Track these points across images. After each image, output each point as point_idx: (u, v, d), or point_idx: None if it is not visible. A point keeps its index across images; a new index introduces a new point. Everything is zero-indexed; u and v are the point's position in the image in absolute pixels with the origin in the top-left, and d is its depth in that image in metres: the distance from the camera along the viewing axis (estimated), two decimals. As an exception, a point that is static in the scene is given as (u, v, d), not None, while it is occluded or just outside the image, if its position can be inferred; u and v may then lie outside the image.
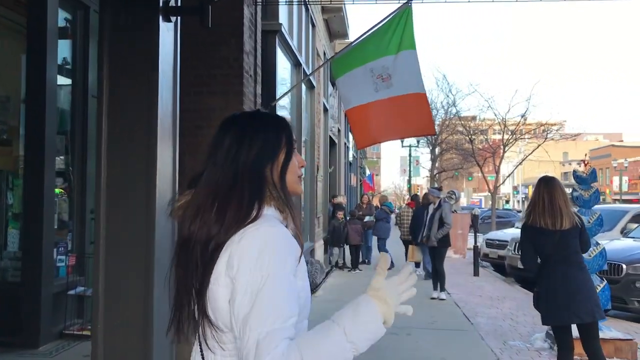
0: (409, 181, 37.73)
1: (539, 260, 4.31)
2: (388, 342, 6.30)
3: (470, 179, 57.74)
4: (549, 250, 4.18)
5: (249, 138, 1.43)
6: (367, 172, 35.82)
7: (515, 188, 67.35)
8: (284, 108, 8.63)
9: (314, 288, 2.16)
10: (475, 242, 13.31)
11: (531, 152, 22.43)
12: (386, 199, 15.40)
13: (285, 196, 1.42)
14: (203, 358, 1.38)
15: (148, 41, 3.67)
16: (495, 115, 22.27)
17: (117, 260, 3.65)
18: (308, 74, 9.95)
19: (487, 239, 15.29)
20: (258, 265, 1.26)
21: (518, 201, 66.29)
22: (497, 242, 14.81)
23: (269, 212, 1.38)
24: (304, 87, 10.35)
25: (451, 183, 58.90)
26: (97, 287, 3.69)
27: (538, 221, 4.18)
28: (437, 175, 42.85)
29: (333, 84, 15.81)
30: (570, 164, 69.26)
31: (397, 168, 63.51)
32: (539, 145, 21.50)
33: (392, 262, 13.35)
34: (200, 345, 1.39)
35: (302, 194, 1.75)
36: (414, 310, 1.43)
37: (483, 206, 51.16)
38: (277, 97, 7.15)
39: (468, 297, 9.81)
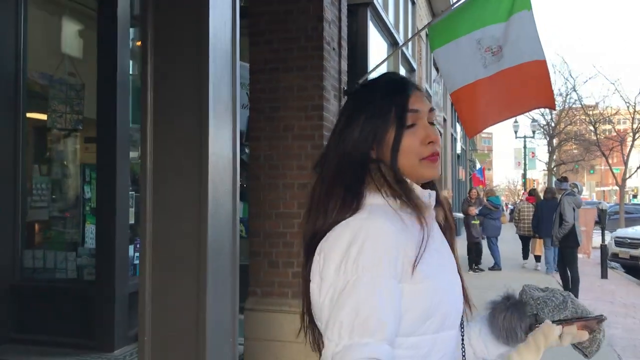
0: (524, 175, 35.33)
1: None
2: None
3: (592, 172, 53.61)
4: None
5: (347, 116, 1.23)
6: (478, 165, 33.92)
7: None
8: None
9: None
10: (603, 240, 11.74)
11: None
12: (493, 193, 14.04)
13: (397, 181, 1.16)
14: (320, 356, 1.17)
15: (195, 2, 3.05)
16: (623, 99, 19.95)
17: (165, 261, 3.08)
18: (405, 51, 9.08)
19: (617, 237, 13.58)
20: (342, 265, 1.06)
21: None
22: (629, 241, 13.11)
23: (376, 200, 1.15)
24: (402, 69, 9.48)
25: (570, 176, 55.02)
26: (143, 295, 3.14)
27: None
28: (555, 168, 39.95)
29: (437, 69, 14.74)
30: None
31: (511, 161, 60.17)
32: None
33: (498, 263, 12.23)
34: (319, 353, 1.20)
35: (438, 177, 1.25)
36: None
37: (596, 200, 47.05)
38: (370, 76, 6.37)
39: (597, 304, 8.47)
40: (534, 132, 33.34)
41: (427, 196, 1.19)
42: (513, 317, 1.26)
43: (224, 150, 3.18)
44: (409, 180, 1.18)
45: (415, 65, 10.12)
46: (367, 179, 1.17)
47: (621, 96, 19.26)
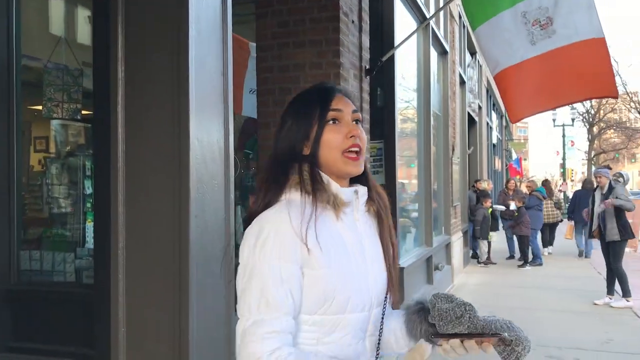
0: (563, 164, 34.02)
1: None
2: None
3: (633, 160, 51.66)
4: None
5: (284, 120, 1.38)
6: (514, 155, 32.76)
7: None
8: (407, 74, 7.19)
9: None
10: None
11: None
12: (535, 184, 13.32)
13: (314, 177, 1.29)
14: None
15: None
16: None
17: (139, 270, 2.56)
18: (437, 32, 8.38)
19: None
20: (252, 252, 1.23)
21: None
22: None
23: (294, 195, 1.29)
24: (434, 52, 8.79)
25: (611, 165, 53.18)
26: (116, 314, 2.63)
27: None
28: (594, 157, 38.47)
29: (472, 54, 13.92)
30: None
31: (548, 151, 58.41)
32: None
33: (540, 257, 11.53)
34: None
35: (358, 171, 1.32)
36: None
37: None
38: (394, 54, 5.75)
39: (650, 305, 7.70)
40: (573, 120, 32.02)
41: (348, 192, 1.31)
42: (416, 322, 1.33)
43: (212, 138, 2.62)
44: (325, 177, 1.29)
45: (447, 48, 9.40)
46: (292, 175, 1.29)
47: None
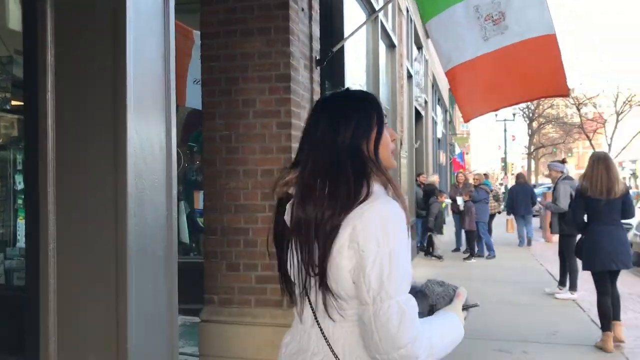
0: (504, 159, 34.94)
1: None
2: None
3: (570, 154, 53.68)
4: (600, 212, 5.26)
5: (343, 118, 1.48)
6: (457, 149, 33.39)
7: (620, 164, 61.86)
8: (356, 66, 7.09)
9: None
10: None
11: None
12: (482, 177, 13.51)
13: (383, 171, 1.46)
14: (320, 326, 1.45)
15: None
16: (607, 79, 19.42)
17: (74, 273, 2.33)
18: (386, 25, 8.32)
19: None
20: (384, 239, 1.34)
21: (624, 178, 60.87)
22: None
23: (376, 188, 1.43)
24: (383, 45, 8.73)
25: (548, 159, 55.00)
26: (45, 322, 2.40)
27: (596, 191, 5.22)
28: (534, 151, 39.69)
29: (418, 48, 13.98)
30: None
31: (490, 145, 59.99)
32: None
33: (493, 250, 11.71)
34: (315, 317, 1.46)
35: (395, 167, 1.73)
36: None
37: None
38: (344, 46, 5.62)
39: (593, 297, 7.88)
40: (514, 115, 32.88)
41: None
42: (417, 302, 1.44)
43: (152, 130, 2.41)
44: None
45: (395, 41, 9.36)
46: (370, 170, 1.44)
47: (606, 79, 18.86)
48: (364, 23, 4.68)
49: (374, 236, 1.34)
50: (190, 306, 4.70)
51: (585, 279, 8.30)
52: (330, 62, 5.62)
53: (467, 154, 56.27)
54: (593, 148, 22.48)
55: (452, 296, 1.57)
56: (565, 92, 4.55)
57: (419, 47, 14.01)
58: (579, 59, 68.13)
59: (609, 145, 19.18)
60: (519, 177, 14.17)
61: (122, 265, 2.23)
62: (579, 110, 21.42)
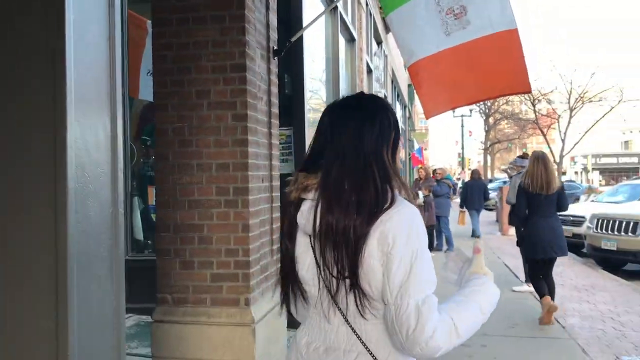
0: (461, 154, 35.45)
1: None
2: (460, 357, 4.68)
3: (524, 150, 54.87)
4: (540, 206, 5.88)
5: (369, 124, 1.53)
6: (416, 145, 33.68)
7: (572, 159, 63.62)
8: (317, 59, 6.98)
9: None
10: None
11: (604, 115, 19.98)
12: (444, 171, 13.53)
13: (399, 176, 1.53)
14: (350, 325, 1.52)
15: None
16: (561, 76, 19.88)
17: (3, 270, 2.14)
18: (345, 17, 8.22)
19: (559, 215, 13.32)
20: (409, 241, 1.43)
21: (576, 172, 62.68)
22: (572, 219, 12.86)
23: (397, 193, 1.50)
24: (342, 39, 8.63)
25: (503, 155, 56.11)
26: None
27: (537, 186, 5.83)
28: (490, 146, 40.40)
29: (378, 43, 13.96)
30: (631, 132, 64.98)
31: (447, 140, 60.83)
32: (612, 108, 19.08)
33: (452, 243, 11.74)
34: (344, 317, 1.52)
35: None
36: None
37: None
38: (303, 38, 5.50)
39: (548, 288, 8.01)
40: (471, 110, 33.38)
41: None
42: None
43: (96, 118, 2.25)
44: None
45: (355, 35, 9.28)
46: (391, 176, 1.52)
47: (559, 75, 19.31)
48: (323, 13, 4.57)
49: (401, 239, 1.42)
50: (146, 305, 4.52)
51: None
52: (289, 54, 5.49)
53: (425, 149, 56.89)
54: (547, 143, 23.01)
55: (465, 257, 1.70)
56: (527, 89, 4.52)
57: (379, 42, 13.99)
58: (545, 52, 69.54)
59: (563, 141, 19.64)
60: (474, 172, 14.93)
61: (63, 266, 2.06)
62: (533, 106, 21.82)
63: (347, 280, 1.47)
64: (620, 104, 19.82)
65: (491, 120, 37.16)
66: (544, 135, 22.60)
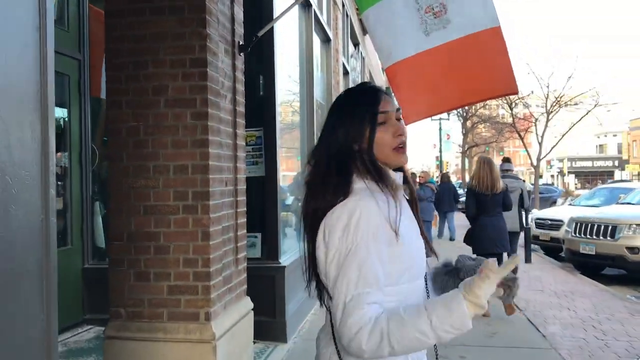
0: (439, 157, 35.46)
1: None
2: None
3: (501, 153, 55.20)
4: (486, 205, 6.37)
5: (336, 117, 1.57)
6: (395, 148, 33.66)
7: (548, 162, 64.24)
8: (290, 59, 6.71)
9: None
10: (527, 222, 11.26)
11: (581, 119, 20.02)
12: (428, 175, 13.34)
13: (375, 169, 1.51)
14: (331, 314, 1.51)
15: None
16: (538, 79, 19.88)
17: None
18: (320, 17, 7.98)
19: (537, 219, 13.26)
20: (345, 236, 1.40)
21: (552, 176, 63.33)
22: (550, 222, 12.80)
23: (360, 185, 1.48)
24: (317, 39, 8.38)
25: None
26: None
27: (483, 187, 6.34)
28: (468, 150, 40.53)
29: (355, 44, 13.75)
30: (605, 135, 65.90)
31: (425, 143, 61.02)
32: (588, 112, 19.13)
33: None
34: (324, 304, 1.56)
35: (406, 162, 1.60)
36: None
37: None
38: (274, 36, 5.24)
39: (527, 294, 7.84)
40: (448, 114, 33.36)
41: (398, 178, 1.57)
42: (449, 280, 1.66)
43: (20, 113, 1.95)
44: (383, 167, 1.54)
45: (331, 35, 9.05)
46: (353, 168, 1.51)
47: (536, 77, 19.25)
48: (293, 5, 4.29)
49: (337, 232, 1.41)
50: (107, 317, 4.20)
51: (519, 276, 8.27)
52: (260, 52, 5.22)
53: (404, 152, 56.82)
54: (525, 147, 23.04)
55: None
56: (514, 90, 4.24)
57: (355, 44, 13.78)
58: (528, 44, 70.19)
59: (540, 144, 19.65)
60: (443, 176, 15.61)
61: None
62: (511, 109, 21.82)
63: (309, 270, 1.54)
64: (596, 107, 19.91)
65: (469, 123, 37.26)
66: (522, 139, 22.60)
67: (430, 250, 1.66)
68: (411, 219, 1.57)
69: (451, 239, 13.90)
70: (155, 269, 3.41)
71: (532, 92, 22.61)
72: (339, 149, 1.52)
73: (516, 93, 4.42)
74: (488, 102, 36.64)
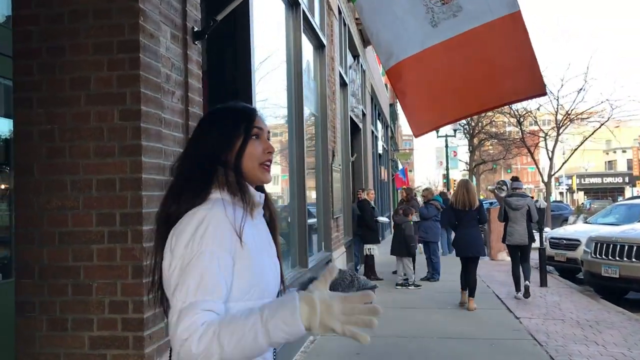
0: (446, 175, 34.54)
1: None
2: None
3: (509, 171, 54.17)
4: (464, 219, 8.00)
5: (207, 129, 1.55)
6: (400, 166, 32.76)
7: (557, 179, 63.07)
8: (273, 60, 5.96)
9: None
10: (542, 242, 10.40)
11: (593, 132, 19.15)
12: (432, 192, 12.26)
13: (239, 181, 1.49)
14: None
15: None
16: (548, 91, 19.02)
17: None
18: (312, 20, 7.25)
19: (552, 238, 12.35)
20: (190, 243, 1.36)
21: (561, 193, 62.19)
22: (565, 242, 11.89)
23: (216, 195, 1.47)
24: (308, 44, 7.66)
25: (488, 176, 55.40)
26: None
27: (460, 205, 8.02)
28: (475, 167, 39.63)
29: (354, 56, 13.05)
30: (615, 152, 64.74)
31: (431, 161, 60.08)
32: (602, 124, 18.27)
33: (439, 272, 10.64)
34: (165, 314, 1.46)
35: (270, 181, 1.59)
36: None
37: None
38: (251, 30, 4.50)
39: (547, 324, 6.96)
40: (455, 130, 32.53)
41: (257, 196, 1.53)
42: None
43: None
44: (244, 183, 1.51)
45: (325, 41, 8.31)
46: (214, 178, 1.48)
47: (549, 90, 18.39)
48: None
49: (183, 240, 1.37)
50: None
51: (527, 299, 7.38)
52: (232, 45, 4.51)
53: (410, 171, 56.01)
54: (535, 163, 22.08)
55: (348, 283, 1.58)
56: (541, 91, 3.45)
57: (355, 56, 13.08)
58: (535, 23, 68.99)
59: (550, 160, 18.75)
60: (442, 194, 16.25)
61: None
62: (520, 124, 20.90)
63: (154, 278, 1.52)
64: (609, 120, 19.00)
65: (475, 140, 36.45)
66: (532, 155, 21.69)
67: (280, 282, 1.60)
68: (264, 239, 1.54)
69: (449, 252, 14.14)
70: (74, 315, 2.61)
71: (539, 107, 21.81)
72: (205, 157, 1.50)
73: (544, 94, 3.60)
74: (495, 118, 35.83)
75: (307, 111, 7.00)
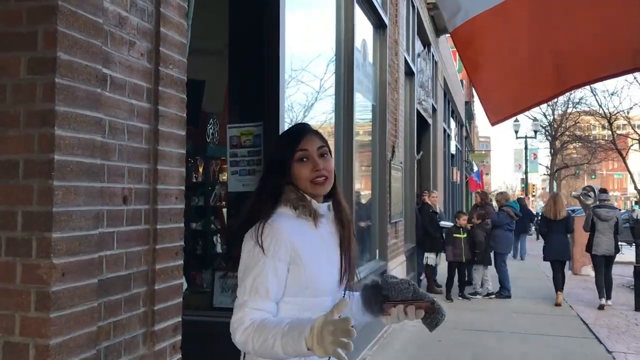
0: (525, 179, 32.43)
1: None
2: None
3: (593, 177, 50.75)
4: (552, 227, 8.99)
5: (267, 156, 2.05)
6: (475, 168, 31.00)
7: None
8: (313, 33, 5.04)
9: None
10: (638, 259, 8.92)
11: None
12: (507, 197, 10.93)
13: (297, 198, 1.76)
14: None
15: None
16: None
17: None
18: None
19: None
20: (252, 250, 1.67)
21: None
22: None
23: (282, 210, 1.76)
24: (365, 20, 6.69)
25: (570, 181, 52.10)
26: None
27: (550, 214, 9.02)
28: (556, 172, 37.15)
29: (425, 44, 11.91)
30: None
31: (509, 164, 57.26)
32: None
33: (508, 289, 9.41)
34: None
35: (324, 193, 1.80)
36: None
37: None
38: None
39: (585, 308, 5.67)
40: (535, 132, 30.45)
41: (321, 208, 1.78)
42: (371, 294, 1.79)
43: None
44: (307, 197, 1.77)
45: (386, 21, 7.29)
46: (280, 196, 1.77)
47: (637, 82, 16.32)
48: None
49: (245, 248, 1.69)
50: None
51: (615, 324, 6.05)
52: (261, 19, 3.67)
53: (486, 174, 53.58)
54: (627, 169, 19.87)
55: (404, 288, 1.74)
56: None
57: (426, 44, 11.94)
58: None
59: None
60: (519, 200, 16.72)
61: None
62: (610, 125, 18.85)
63: None
64: None
65: (557, 143, 34.08)
66: (624, 159, 19.61)
67: (346, 274, 1.81)
68: (327, 244, 1.78)
69: (521, 258, 15.41)
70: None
71: (634, 105, 19.70)
72: (269, 179, 1.79)
73: None
74: (579, 121, 33.29)
75: (359, 97, 6.03)
